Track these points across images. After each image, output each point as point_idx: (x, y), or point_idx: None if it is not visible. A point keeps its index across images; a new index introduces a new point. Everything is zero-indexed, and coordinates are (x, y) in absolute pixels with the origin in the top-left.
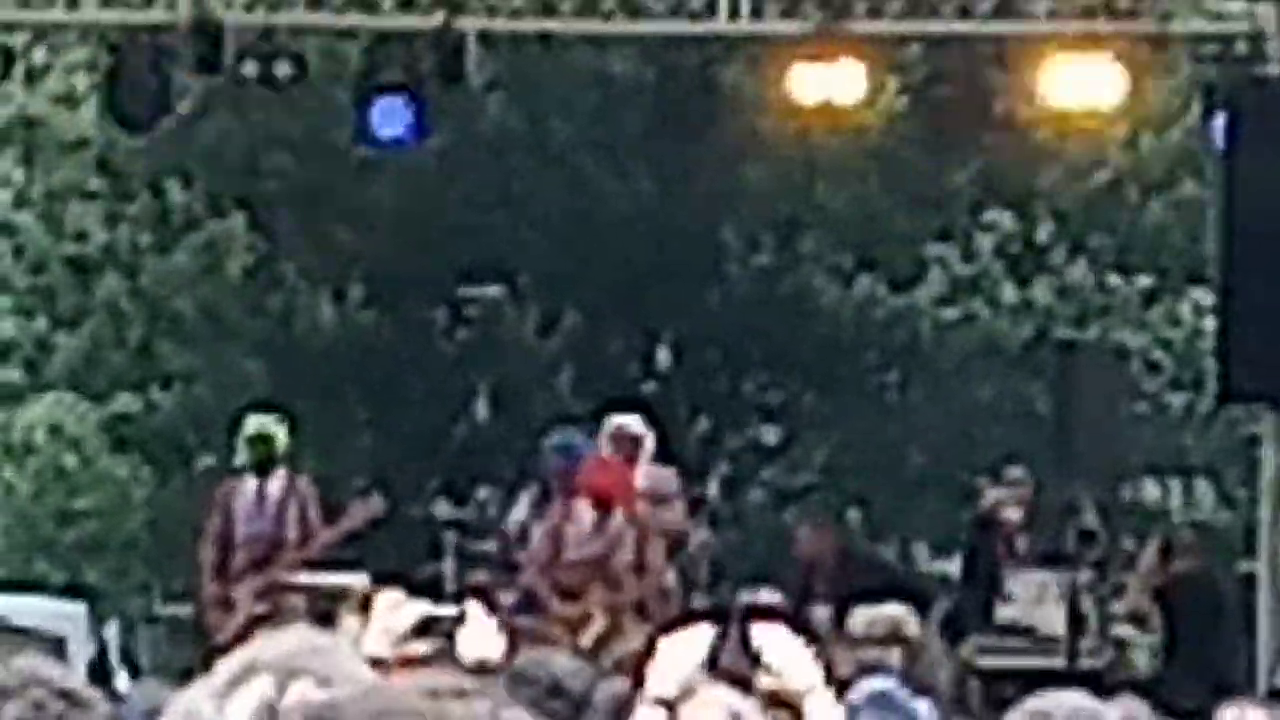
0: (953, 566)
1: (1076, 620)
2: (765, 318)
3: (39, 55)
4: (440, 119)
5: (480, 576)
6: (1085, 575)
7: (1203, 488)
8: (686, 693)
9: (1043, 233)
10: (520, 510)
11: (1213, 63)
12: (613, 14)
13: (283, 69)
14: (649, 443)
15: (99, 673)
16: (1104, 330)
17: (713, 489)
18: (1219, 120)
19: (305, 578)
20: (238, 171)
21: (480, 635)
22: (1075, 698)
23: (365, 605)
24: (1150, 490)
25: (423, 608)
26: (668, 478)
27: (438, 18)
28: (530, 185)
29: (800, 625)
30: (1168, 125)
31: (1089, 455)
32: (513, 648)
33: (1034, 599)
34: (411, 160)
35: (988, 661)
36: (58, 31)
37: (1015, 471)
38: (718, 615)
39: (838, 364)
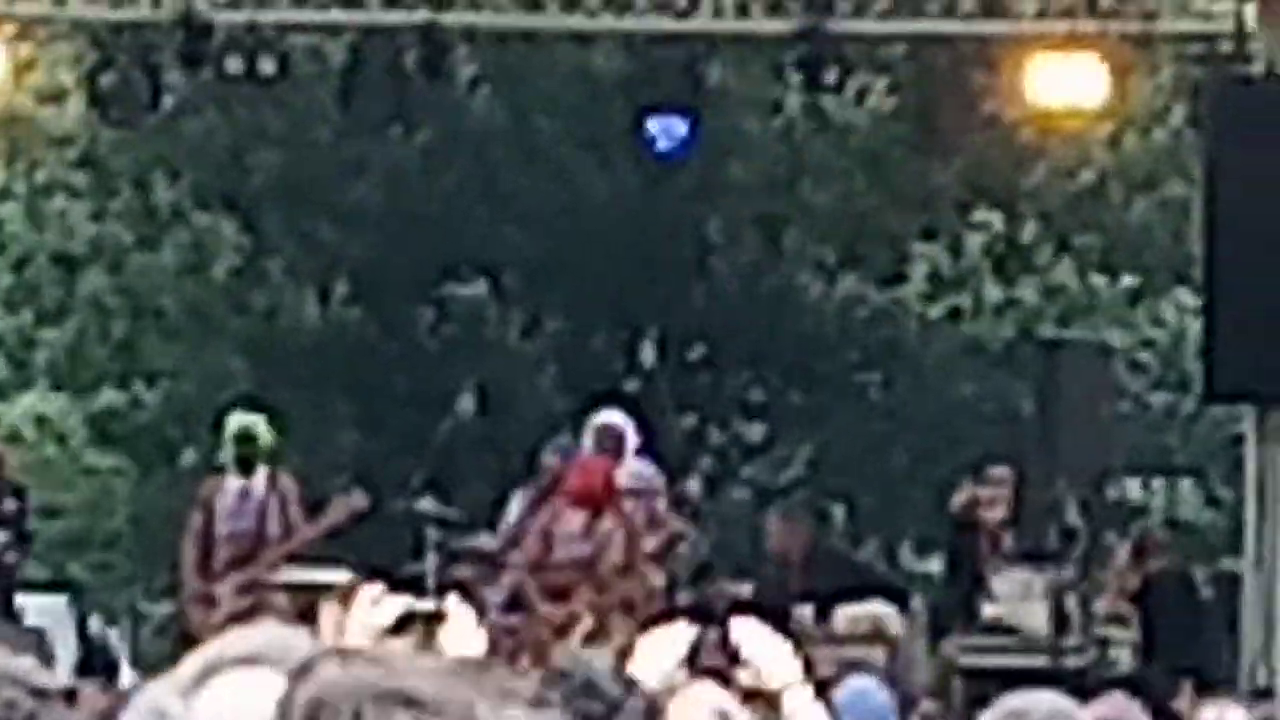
0: (936, 564)
1: (1060, 619)
2: (749, 315)
3: (24, 51)
4: (425, 115)
5: (463, 573)
6: (1069, 574)
7: (1186, 487)
8: (669, 690)
9: (1027, 232)
10: (515, 511)
11: (1197, 62)
12: (597, 11)
13: (267, 65)
14: (632, 439)
15: (89, 667)
16: (1088, 329)
17: (696, 485)
18: (1203, 120)
19: (287, 575)
20: (223, 168)
21: (461, 632)
22: (1052, 698)
23: (346, 598)
24: (1134, 489)
25: (403, 603)
26: (650, 473)
27: (422, 14)
28: (515, 182)
29: (781, 622)
30: (1152, 125)
31: (1073, 454)
32: (494, 646)
33: (1017, 597)
34: (396, 157)
35: (971, 660)
36: (43, 26)
37: (998, 469)
38: (699, 612)
39: (822, 361)
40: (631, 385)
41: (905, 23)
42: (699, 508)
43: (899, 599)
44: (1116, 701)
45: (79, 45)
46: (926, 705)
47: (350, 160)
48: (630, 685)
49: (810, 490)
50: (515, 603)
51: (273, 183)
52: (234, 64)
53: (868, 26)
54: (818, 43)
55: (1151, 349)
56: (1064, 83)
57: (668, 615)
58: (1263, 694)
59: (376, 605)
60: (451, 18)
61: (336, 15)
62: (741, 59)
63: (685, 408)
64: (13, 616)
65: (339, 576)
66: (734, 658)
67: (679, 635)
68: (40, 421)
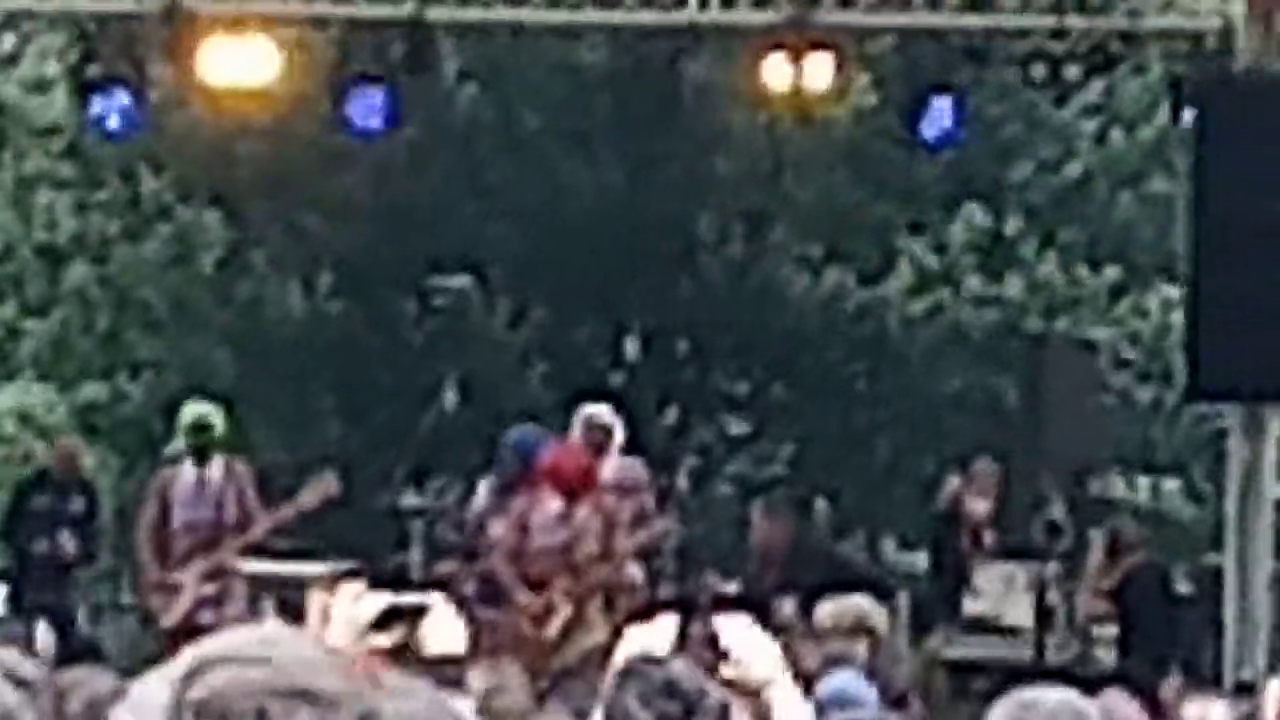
0: (920, 559)
1: (1043, 613)
2: (734, 309)
3: (9, 42)
4: (411, 109)
5: (447, 566)
6: (1052, 568)
7: (1169, 481)
8: None
9: (1012, 226)
10: (480, 501)
11: (1183, 58)
12: (583, 4)
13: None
14: (619, 434)
15: (73, 659)
16: (1072, 323)
17: (681, 480)
18: (1188, 115)
19: (257, 566)
20: (208, 160)
21: (443, 629)
22: (1061, 692)
23: (331, 588)
24: (1117, 484)
25: (385, 600)
26: (636, 469)
27: (409, 7)
28: (500, 176)
29: (764, 616)
30: (1138, 120)
31: (1057, 448)
32: (476, 641)
33: (1001, 592)
34: (382, 150)
35: (955, 654)
36: (29, 18)
37: (983, 464)
38: (683, 606)
39: (806, 355)
40: (616, 379)
41: (891, 15)
42: (684, 501)
43: (882, 594)
44: (1116, 698)
45: (64, 37)
46: (913, 702)
47: (335, 153)
48: (705, 685)
49: (794, 485)
50: (491, 594)
51: (258, 175)
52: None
53: (853, 19)
54: (803, 35)
55: (1135, 343)
56: (1046, 77)
57: (651, 609)
58: (1245, 689)
59: (359, 602)
60: (437, 11)
61: (322, 8)
62: (726, 52)
63: (669, 402)
64: (70, 623)
65: (315, 569)
66: (717, 651)
67: (663, 629)
68: (24, 414)
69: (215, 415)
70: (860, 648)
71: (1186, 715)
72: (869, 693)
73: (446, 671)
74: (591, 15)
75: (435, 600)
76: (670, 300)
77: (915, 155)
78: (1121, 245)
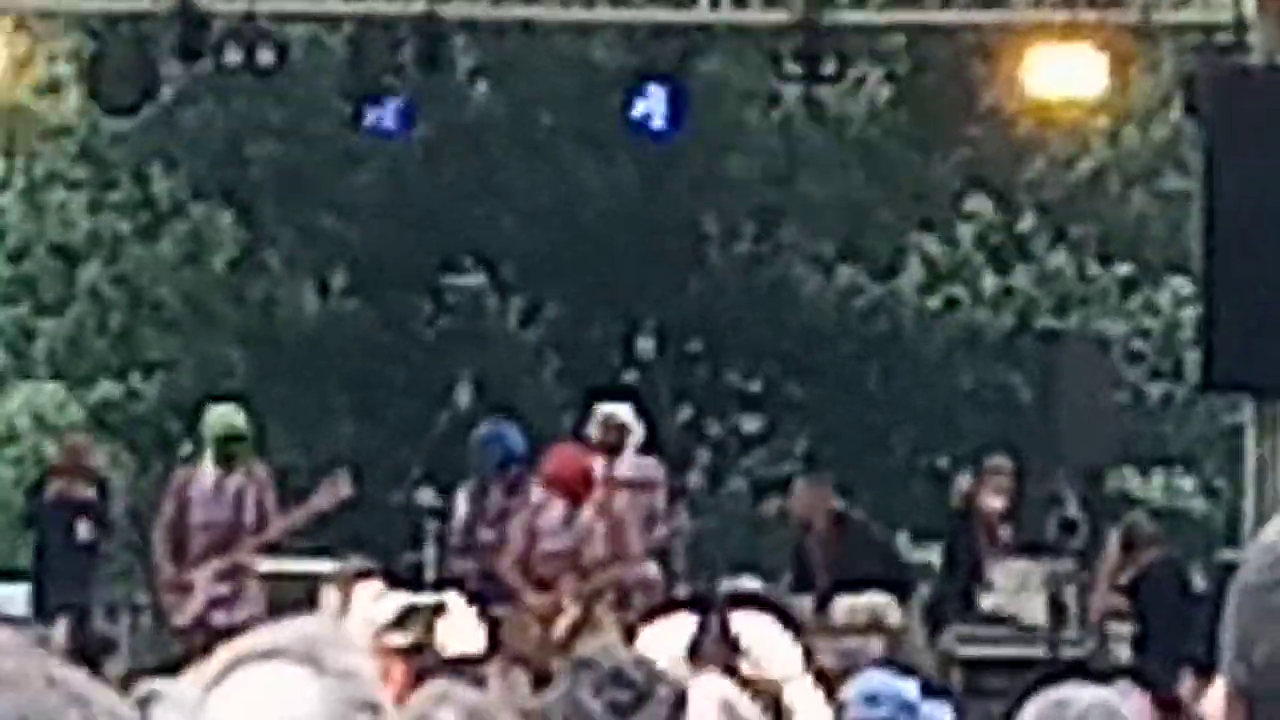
0: (934, 555)
1: (1058, 609)
2: (747, 307)
3: (22, 42)
4: (424, 107)
5: (463, 565)
6: (1067, 564)
7: (1183, 478)
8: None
9: (1025, 222)
10: (461, 506)
11: (1195, 53)
12: (595, 2)
13: (266, 56)
14: (636, 433)
15: (89, 659)
16: (1085, 319)
17: (694, 477)
18: (1201, 111)
19: (273, 565)
20: (221, 159)
21: (461, 627)
22: (1095, 691)
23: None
24: (1132, 479)
25: (403, 599)
26: (652, 467)
27: (421, 5)
28: (513, 174)
29: (782, 614)
30: (1150, 116)
31: (1071, 444)
32: (494, 640)
33: (1015, 588)
34: (395, 149)
35: (969, 650)
36: (41, 18)
37: (997, 460)
38: (699, 603)
39: (819, 353)
40: (629, 377)
41: (903, 13)
42: (697, 499)
43: (904, 586)
44: (1134, 697)
45: (77, 37)
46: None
47: (349, 153)
48: (658, 674)
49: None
50: (500, 593)
51: (271, 174)
52: (232, 55)
53: (866, 18)
54: (815, 34)
55: (1147, 338)
56: (1062, 74)
57: (667, 607)
58: None
59: (377, 601)
60: (450, 9)
61: (335, 6)
62: (739, 51)
63: (683, 399)
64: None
65: (326, 566)
66: (734, 649)
67: (679, 627)
68: (38, 414)
69: (243, 422)
70: (875, 644)
71: (1203, 711)
72: (903, 684)
73: (466, 671)
74: (604, 13)
75: (452, 599)
76: (683, 298)
77: (929, 152)
78: (1134, 241)
